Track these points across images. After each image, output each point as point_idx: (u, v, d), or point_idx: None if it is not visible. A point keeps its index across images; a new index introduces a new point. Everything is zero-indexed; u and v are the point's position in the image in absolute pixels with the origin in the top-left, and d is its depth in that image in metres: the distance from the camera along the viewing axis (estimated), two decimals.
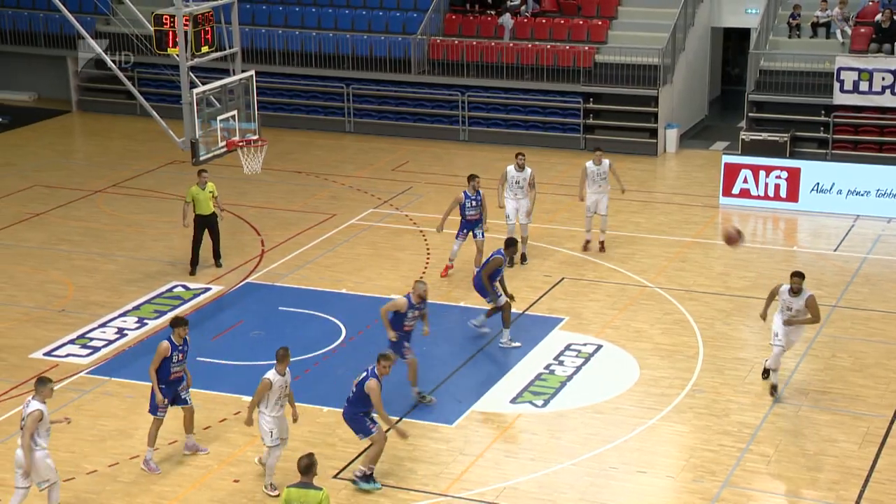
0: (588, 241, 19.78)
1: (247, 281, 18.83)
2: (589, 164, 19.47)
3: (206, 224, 18.96)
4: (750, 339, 16.74)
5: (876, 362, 15.84)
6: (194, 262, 19.08)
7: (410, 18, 27.70)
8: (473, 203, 18.24)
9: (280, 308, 17.77)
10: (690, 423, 14.36)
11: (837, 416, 14.38)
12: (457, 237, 18.56)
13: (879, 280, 18.70)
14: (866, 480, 13.04)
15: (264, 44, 27.81)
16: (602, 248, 19.69)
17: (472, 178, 18.39)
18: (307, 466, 10.54)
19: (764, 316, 15.04)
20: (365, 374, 12.76)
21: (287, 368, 12.73)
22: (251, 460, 13.53)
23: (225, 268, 19.23)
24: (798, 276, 14.61)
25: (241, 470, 13.37)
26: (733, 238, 16.22)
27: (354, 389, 12.80)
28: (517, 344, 16.38)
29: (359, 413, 12.82)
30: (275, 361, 12.75)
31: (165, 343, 13.21)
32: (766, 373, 15.21)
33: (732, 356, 16.08)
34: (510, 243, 16.84)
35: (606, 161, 19.44)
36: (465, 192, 18.25)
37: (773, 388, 14.85)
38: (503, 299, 16.38)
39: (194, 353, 14.35)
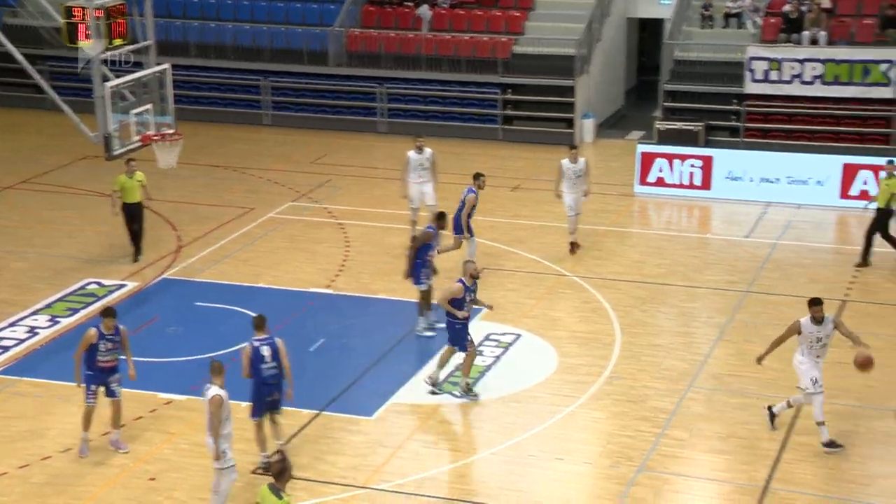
0: (573, 244, 19.35)
1: (163, 276, 18.60)
2: (564, 161, 19.14)
3: (132, 214, 18.77)
4: (665, 325, 17.00)
5: (787, 346, 16.06)
6: (136, 248, 19.02)
7: (327, 10, 27.55)
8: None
9: (197, 303, 17.59)
10: (608, 409, 14.54)
11: (749, 399, 14.66)
12: (471, 237, 18.19)
13: (789, 265, 19.11)
14: (776, 461, 13.35)
15: (179, 36, 27.46)
16: (573, 249, 19.27)
17: (478, 176, 18.09)
18: (279, 472, 10.38)
19: (761, 359, 13.58)
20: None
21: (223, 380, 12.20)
22: (168, 458, 13.38)
23: (141, 263, 18.98)
24: (818, 303, 13.34)
25: (157, 468, 13.21)
26: (866, 364, 13.42)
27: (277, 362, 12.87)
28: (432, 333, 16.38)
29: None
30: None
31: (92, 330, 13.21)
32: (772, 418, 13.93)
33: (649, 343, 16.32)
34: (440, 216, 16.59)
35: (583, 159, 19.20)
36: (470, 189, 17.86)
37: (833, 444, 13.42)
38: (427, 285, 16.32)
39: None
